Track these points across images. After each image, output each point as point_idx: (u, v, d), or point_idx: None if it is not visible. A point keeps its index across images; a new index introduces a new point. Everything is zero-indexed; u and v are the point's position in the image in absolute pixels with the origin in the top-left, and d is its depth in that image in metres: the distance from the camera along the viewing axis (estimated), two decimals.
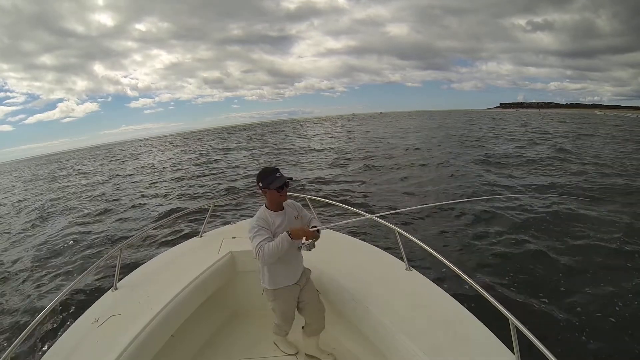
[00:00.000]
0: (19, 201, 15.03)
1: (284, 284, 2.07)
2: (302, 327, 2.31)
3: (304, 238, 1.89)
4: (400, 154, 16.79)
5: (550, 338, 3.23)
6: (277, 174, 1.90)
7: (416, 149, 18.32)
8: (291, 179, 1.97)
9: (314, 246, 1.92)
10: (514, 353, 1.54)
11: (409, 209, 6.67)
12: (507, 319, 1.56)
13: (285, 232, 1.81)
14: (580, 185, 9.16)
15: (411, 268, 2.42)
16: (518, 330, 1.50)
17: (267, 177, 1.90)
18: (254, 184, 2.06)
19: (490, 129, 31.70)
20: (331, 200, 3.77)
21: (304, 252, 2.01)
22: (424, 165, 13.26)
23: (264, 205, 1.99)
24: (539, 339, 1.41)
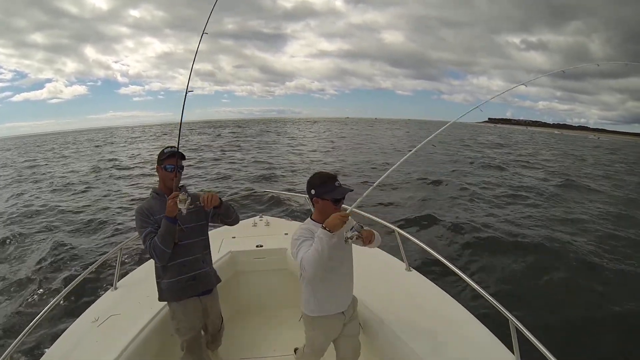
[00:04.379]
0: None
1: (329, 311, 1.73)
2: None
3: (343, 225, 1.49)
4: None
5: (550, 338, 3.23)
6: (336, 183, 1.60)
7: None
8: (351, 190, 1.64)
9: (360, 231, 1.50)
10: (513, 353, 1.55)
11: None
12: (507, 319, 1.56)
13: (319, 228, 1.48)
14: None
15: (411, 268, 2.43)
16: (518, 330, 1.51)
17: (324, 186, 1.59)
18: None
19: None
20: None
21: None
22: None
23: (309, 218, 1.69)
24: (538, 339, 1.41)
